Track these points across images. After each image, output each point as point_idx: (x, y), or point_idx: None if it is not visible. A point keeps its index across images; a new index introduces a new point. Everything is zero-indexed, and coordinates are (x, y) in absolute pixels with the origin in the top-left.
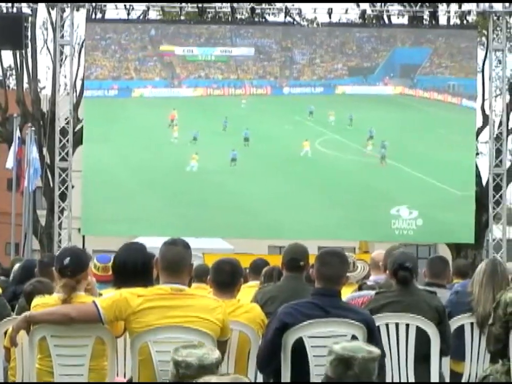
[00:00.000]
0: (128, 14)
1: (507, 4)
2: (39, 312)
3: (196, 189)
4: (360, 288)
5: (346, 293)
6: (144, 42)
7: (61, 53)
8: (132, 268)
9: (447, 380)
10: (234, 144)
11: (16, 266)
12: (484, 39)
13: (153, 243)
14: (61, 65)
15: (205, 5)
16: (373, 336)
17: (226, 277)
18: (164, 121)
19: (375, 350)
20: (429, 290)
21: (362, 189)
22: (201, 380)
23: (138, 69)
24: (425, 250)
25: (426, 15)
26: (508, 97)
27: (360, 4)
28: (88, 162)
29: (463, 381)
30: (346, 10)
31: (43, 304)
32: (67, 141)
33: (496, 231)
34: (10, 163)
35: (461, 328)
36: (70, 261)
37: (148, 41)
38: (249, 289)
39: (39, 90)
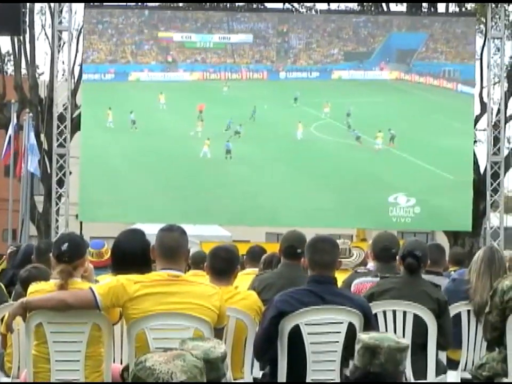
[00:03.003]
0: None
1: None
2: (35, 298)
3: (195, 176)
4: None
5: (340, 279)
6: (141, 26)
7: (59, 38)
8: (131, 255)
9: (446, 366)
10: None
11: (9, 251)
12: (482, 26)
13: (151, 230)
14: (59, 51)
15: None
16: (369, 323)
17: (222, 264)
18: (157, 105)
19: (404, 341)
20: (434, 284)
21: (359, 176)
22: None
23: (135, 53)
24: (423, 238)
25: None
26: (506, 85)
27: None
28: (86, 149)
29: (459, 368)
30: None
31: (39, 290)
32: (65, 127)
33: (493, 219)
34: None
35: (457, 316)
36: (68, 247)
37: (144, 25)
38: (246, 276)
39: (37, 76)
